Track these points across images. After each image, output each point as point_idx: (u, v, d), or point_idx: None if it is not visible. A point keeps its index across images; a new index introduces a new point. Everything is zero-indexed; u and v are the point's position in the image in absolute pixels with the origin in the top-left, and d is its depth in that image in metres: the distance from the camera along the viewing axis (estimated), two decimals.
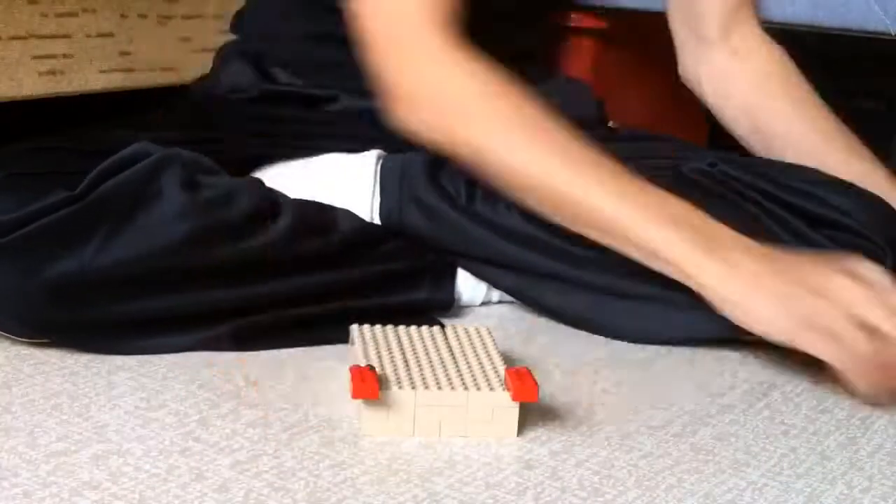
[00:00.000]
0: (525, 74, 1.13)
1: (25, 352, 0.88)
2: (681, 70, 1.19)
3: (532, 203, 0.93)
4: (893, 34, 1.13)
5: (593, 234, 0.91)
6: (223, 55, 1.17)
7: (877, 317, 0.81)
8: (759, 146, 1.13)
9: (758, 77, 1.14)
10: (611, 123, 1.22)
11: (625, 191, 0.88)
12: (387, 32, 0.93)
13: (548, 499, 0.70)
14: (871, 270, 0.85)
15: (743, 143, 1.15)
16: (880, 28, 1.13)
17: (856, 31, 1.15)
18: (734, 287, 0.85)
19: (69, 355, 0.87)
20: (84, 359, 0.87)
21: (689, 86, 1.19)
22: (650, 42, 1.53)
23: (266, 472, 0.70)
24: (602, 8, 1.50)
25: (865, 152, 1.08)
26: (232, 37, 1.18)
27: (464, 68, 0.92)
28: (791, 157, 1.08)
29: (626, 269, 0.96)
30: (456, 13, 0.92)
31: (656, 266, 0.89)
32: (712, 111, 1.17)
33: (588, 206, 0.89)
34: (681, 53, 1.18)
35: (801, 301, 0.83)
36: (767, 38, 1.16)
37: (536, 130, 0.90)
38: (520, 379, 0.77)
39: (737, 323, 0.86)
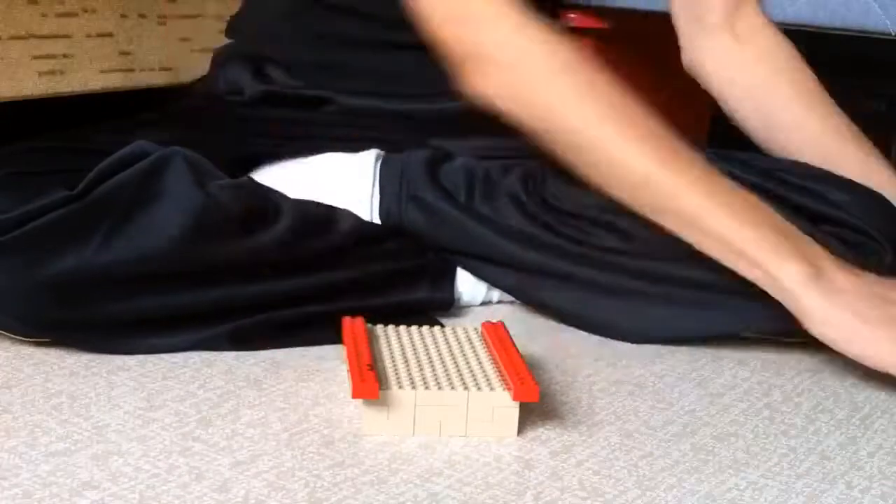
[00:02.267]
0: None
1: (25, 352, 0.88)
2: (683, 58, 1.17)
3: (601, 180, 0.91)
4: (893, 34, 1.13)
5: (670, 222, 0.90)
6: (220, 57, 1.16)
7: None
8: (762, 134, 1.12)
9: (763, 63, 1.12)
10: None
11: (714, 187, 0.88)
12: (460, 9, 0.92)
13: (548, 499, 0.70)
14: None
15: (745, 131, 1.14)
16: (880, 28, 1.13)
17: (856, 31, 1.15)
18: (827, 307, 0.84)
19: (69, 355, 0.87)
20: (84, 359, 0.87)
21: (692, 74, 1.16)
22: (650, 42, 1.53)
23: (266, 472, 0.70)
24: (602, 8, 1.50)
25: (874, 151, 1.08)
26: (227, 41, 1.18)
27: (535, 33, 0.91)
28: (795, 150, 1.07)
29: (627, 267, 0.97)
30: None
31: (737, 266, 0.88)
32: (716, 98, 1.15)
33: (671, 195, 0.88)
34: (683, 41, 1.16)
35: None
36: (773, 27, 1.14)
37: (620, 108, 0.89)
38: (520, 379, 0.77)
39: (834, 348, 0.86)
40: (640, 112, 0.89)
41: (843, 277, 0.85)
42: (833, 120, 1.10)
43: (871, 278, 0.88)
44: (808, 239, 0.88)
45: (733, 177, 0.99)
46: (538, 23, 0.91)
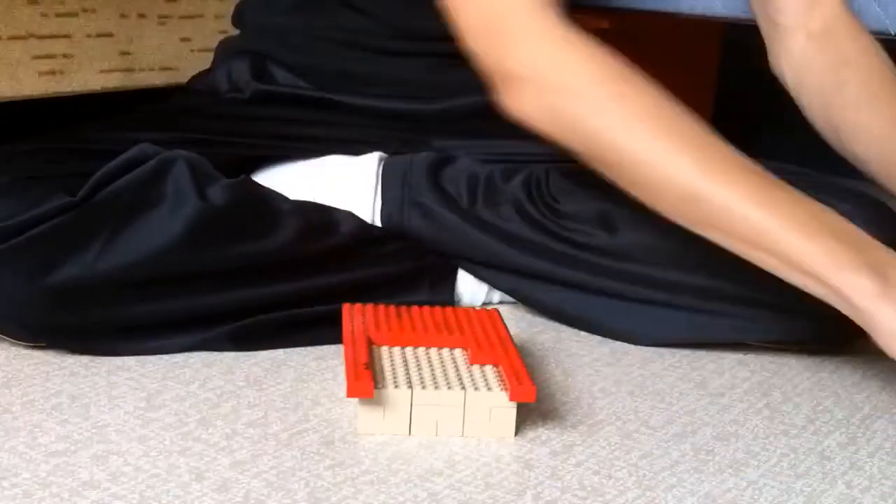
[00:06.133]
0: None
1: (25, 352, 0.88)
2: (770, 64, 1.09)
3: (646, 197, 0.83)
4: (893, 34, 1.13)
5: (721, 238, 0.81)
6: (223, 51, 1.16)
7: None
8: (831, 136, 1.03)
9: (833, 64, 1.04)
10: None
11: (770, 197, 0.78)
12: (489, 17, 0.85)
13: (548, 499, 0.70)
14: None
15: (822, 135, 1.04)
16: (880, 28, 1.13)
17: None
18: None
19: (69, 355, 0.87)
20: (84, 359, 0.87)
21: (780, 80, 1.08)
22: (650, 42, 1.53)
23: (266, 472, 0.70)
24: (602, 8, 1.50)
25: None
26: (233, 30, 1.17)
27: (578, 49, 0.83)
28: (862, 151, 0.99)
29: (629, 272, 0.97)
30: None
31: (803, 283, 0.78)
32: (795, 101, 1.06)
33: (723, 209, 0.79)
34: (768, 46, 1.08)
35: None
36: (850, 21, 1.03)
37: (664, 120, 0.81)
38: (517, 379, 0.77)
39: None
40: (684, 120, 0.81)
41: None
42: None
43: None
44: (870, 240, 0.78)
45: None
46: (578, 36, 0.83)
